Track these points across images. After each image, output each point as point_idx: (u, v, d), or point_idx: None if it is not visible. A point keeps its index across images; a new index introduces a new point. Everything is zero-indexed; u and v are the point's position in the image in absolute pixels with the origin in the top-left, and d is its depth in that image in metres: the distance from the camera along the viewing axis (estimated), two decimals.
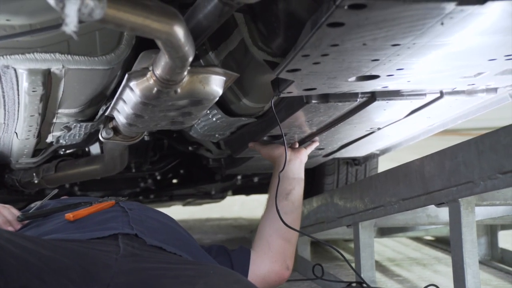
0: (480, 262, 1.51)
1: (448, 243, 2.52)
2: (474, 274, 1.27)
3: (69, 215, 1.21)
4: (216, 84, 1.19)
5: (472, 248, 1.28)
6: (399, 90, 1.33)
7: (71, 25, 0.68)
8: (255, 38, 1.19)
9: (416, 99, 1.36)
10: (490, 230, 2.32)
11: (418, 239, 2.84)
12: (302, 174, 1.60)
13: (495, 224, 2.23)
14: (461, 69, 1.15)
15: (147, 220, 1.25)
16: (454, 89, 1.35)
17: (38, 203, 1.39)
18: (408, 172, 1.46)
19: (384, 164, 2.37)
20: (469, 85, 1.30)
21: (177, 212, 3.58)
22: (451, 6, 0.79)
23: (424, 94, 1.36)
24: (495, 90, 1.35)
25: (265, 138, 1.67)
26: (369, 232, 1.76)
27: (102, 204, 1.29)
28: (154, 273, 1.05)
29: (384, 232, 2.51)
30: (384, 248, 2.68)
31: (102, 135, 1.57)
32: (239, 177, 2.79)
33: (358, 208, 1.73)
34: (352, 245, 2.29)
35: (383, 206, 1.61)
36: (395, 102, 1.35)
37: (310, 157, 2.00)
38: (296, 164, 1.59)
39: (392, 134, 1.78)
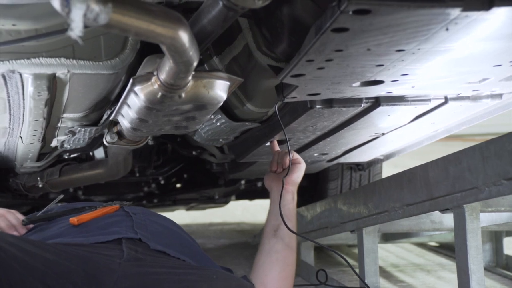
0: (485, 269, 1.50)
1: (452, 249, 2.51)
2: (479, 281, 1.26)
3: (73, 219, 1.21)
4: (220, 89, 1.19)
5: (477, 254, 1.27)
6: (403, 96, 1.32)
7: (76, 30, 0.68)
8: (259, 43, 1.19)
9: (420, 104, 1.36)
10: (494, 237, 2.31)
11: (422, 245, 2.83)
12: (291, 204, 1.43)
13: (499, 230, 2.22)
14: (465, 75, 1.15)
15: (151, 225, 1.25)
16: (459, 95, 1.34)
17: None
18: (412, 177, 1.46)
19: (387, 170, 2.37)
20: (473, 91, 1.29)
21: (180, 216, 3.58)
22: (456, 12, 0.79)
23: (429, 100, 1.35)
24: (500, 96, 1.35)
25: (267, 144, 1.66)
26: (373, 238, 1.75)
27: (107, 209, 1.29)
28: (157, 277, 1.05)
29: (388, 237, 2.50)
30: (388, 254, 2.67)
31: (107, 139, 1.57)
32: (242, 181, 2.79)
33: (362, 213, 1.72)
34: (355, 250, 2.29)
35: (387, 212, 1.60)
36: (400, 107, 1.35)
37: (313, 162, 2.00)
38: (282, 195, 1.43)
39: (396, 139, 1.77)
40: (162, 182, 2.83)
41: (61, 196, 1.50)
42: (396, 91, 1.24)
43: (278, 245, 1.38)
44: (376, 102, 1.33)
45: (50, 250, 1.01)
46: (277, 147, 1.60)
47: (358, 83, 1.14)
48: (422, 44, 0.91)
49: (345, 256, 1.53)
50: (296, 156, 1.51)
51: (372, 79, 1.10)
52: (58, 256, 1.00)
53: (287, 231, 1.39)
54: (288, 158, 1.47)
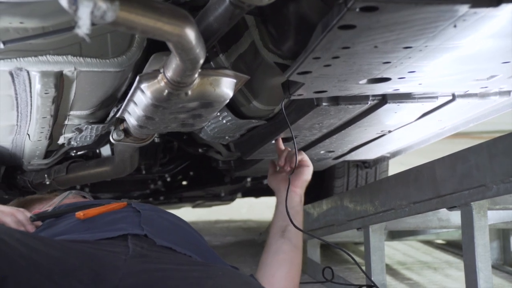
0: (492, 267, 1.50)
1: (459, 247, 2.50)
2: (487, 279, 1.26)
3: (80, 213, 1.22)
4: (226, 86, 1.19)
5: (485, 252, 1.27)
6: (410, 93, 1.32)
7: (83, 27, 0.69)
8: (266, 40, 1.19)
9: (427, 102, 1.35)
10: (502, 234, 2.29)
11: (429, 243, 2.82)
12: (299, 207, 1.43)
13: (507, 228, 2.21)
14: (473, 72, 1.14)
15: (158, 220, 1.25)
16: (467, 92, 1.34)
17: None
18: (419, 175, 1.45)
19: (394, 168, 2.36)
20: (481, 88, 1.29)
21: (186, 214, 3.59)
22: (464, 9, 0.79)
23: (436, 97, 1.35)
24: (508, 93, 1.34)
25: (273, 141, 1.66)
26: (380, 235, 1.75)
27: (114, 205, 1.29)
28: (162, 274, 1.05)
29: (394, 235, 2.50)
30: (394, 252, 2.66)
31: (113, 137, 1.58)
32: (248, 179, 2.79)
33: (368, 211, 1.72)
34: (362, 248, 2.29)
35: (393, 209, 1.60)
36: (406, 105, 1.35)
37: (320, 159, 2.00)
38: (291, 197, 1.43)
39: (403, 137, 1.77)
40: (168, 179, 2.84)
41: (70, 193, 1.51)
42: (403, 88, 1.24)
43: (285, 246, 1.38)
44: (383, 100, 1.33)
45: (56, 247, 1.02)
46: (282, 145, 1.60)
47: (364, 81, 1.13)
48: (430, 41, 0.90)
49: (351, 254, 1.53)
50: (305, 158, 1.51)
51: (379, 76, 1.10)
52: (63, 253, 1.01)
53: (295, 232, 1.38)
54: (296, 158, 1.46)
